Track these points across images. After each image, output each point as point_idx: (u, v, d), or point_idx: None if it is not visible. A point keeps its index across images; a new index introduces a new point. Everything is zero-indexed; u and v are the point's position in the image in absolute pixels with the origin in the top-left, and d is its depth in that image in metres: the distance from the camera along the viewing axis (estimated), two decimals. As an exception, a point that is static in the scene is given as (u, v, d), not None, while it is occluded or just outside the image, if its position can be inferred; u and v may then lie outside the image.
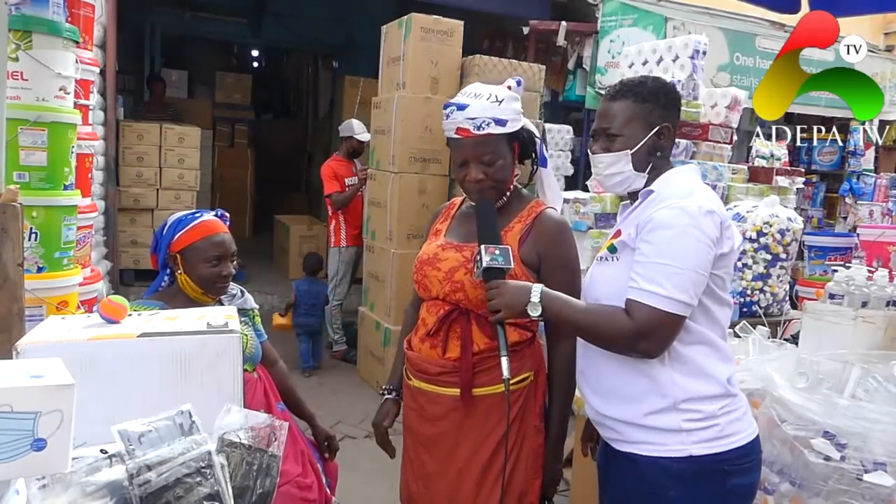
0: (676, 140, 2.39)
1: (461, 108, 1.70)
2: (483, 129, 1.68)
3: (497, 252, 1.56)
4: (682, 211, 1.41)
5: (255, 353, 1.97)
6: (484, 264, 1.56)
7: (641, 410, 1.49)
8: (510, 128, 1.71)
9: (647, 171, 1.55)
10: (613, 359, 1.52)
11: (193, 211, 2.00)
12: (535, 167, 1.87)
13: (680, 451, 1.45)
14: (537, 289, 1.51)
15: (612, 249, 1.53)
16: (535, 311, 1.50)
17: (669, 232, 1.41)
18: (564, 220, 1.84)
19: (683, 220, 1.40)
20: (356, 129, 5.30)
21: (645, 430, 1.49)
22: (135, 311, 1.42)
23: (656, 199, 1.49)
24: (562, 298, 1.52)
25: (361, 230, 5.12)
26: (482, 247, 1.58)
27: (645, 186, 1.57)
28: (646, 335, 1.41)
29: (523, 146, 1.80)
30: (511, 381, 1.71)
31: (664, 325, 1.40)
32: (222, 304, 1.96)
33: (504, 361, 1.56)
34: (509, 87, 1.75)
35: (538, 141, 1.84)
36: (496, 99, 1.71)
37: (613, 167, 1.56)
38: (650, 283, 1.39)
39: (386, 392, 1.99)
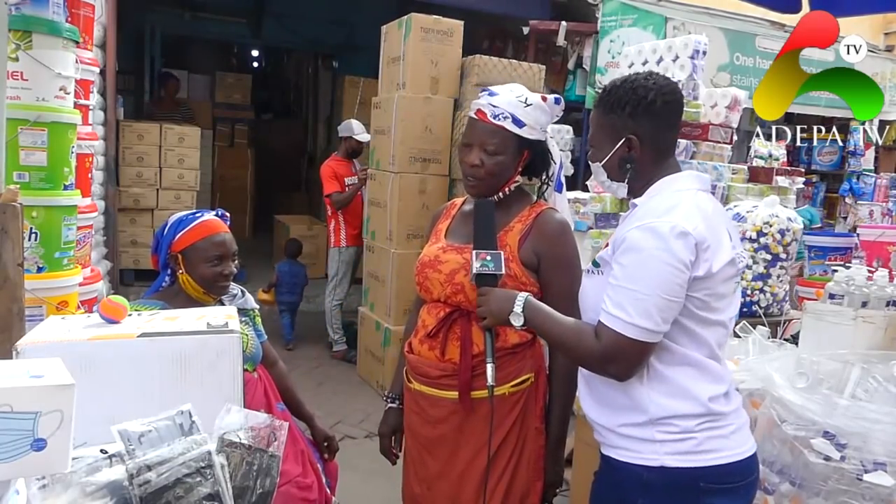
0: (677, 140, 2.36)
1: (491, 94, 1.74)
2: (499, 119, 1.70)
3: (488, 258, 1.56)
4: (652, 233, 1.36)
5: (255, 353, 1.97)
6: (474, 270, 1.56)
7: (619, 421, 1.47)
8: (525, 133, 1.72)
9: (625, 180, 1.52)
10: None
11: (194, 211, 2.00)
12: (544, 186, 1.87)
13: (652, 460, 1.41)
14: (521, 299, 1.51)
15: (596, 264, 1.51)
16: (517, 322, 1.51)
17: (638, 255, 1.37)
18: (565, 220, 1.83)
19: (651, 243, 1.35)
20: (355, 129, 5.30)
21: (621, 437, 1.47)
22: (135, 310, 1.43)
23: (635, 216, 1.45)
24: (544, 311, 1.52)
25: (361, 230, 5.12)
26: (473, 252, 1.58)
27: (634, 191, 1.54)
28: (612, 360, 1.39)
29: (533, 159, 1.80)
30: (511, 384, 1.71)
31: (628, 350, 1.37)
32: (223, 304, 1.96)
33: (489, 368, 1.56)
34: (544, 98, 1.75)
35: (554, 165, 1.85)
36: (524, 100, 1.72)
37: (597, 176, 1.57)
38: (616, 308, 1.37)
39: (389, 400, 1.99)
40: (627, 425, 1.45)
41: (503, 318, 1.52)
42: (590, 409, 1.56)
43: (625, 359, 1.38)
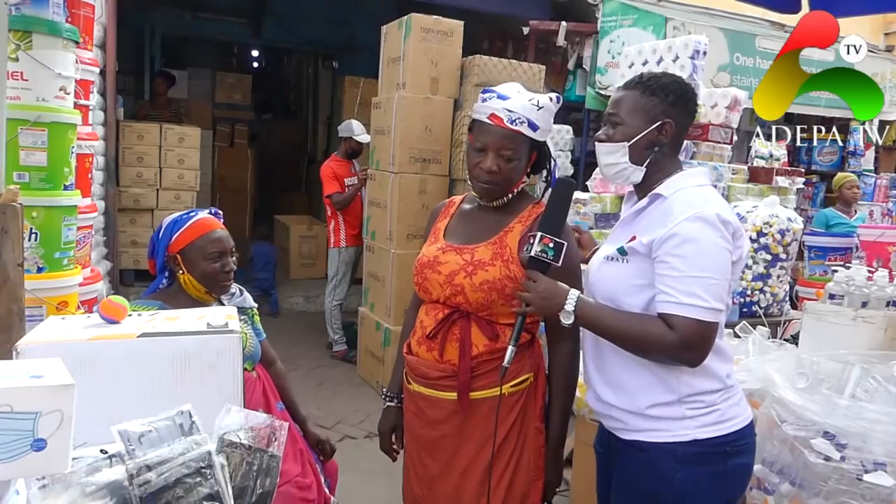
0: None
1: (502, 97, 1.71)
2: (516, 125, 1.69)
3: (551, 245, 1.54)
4: (705, 222, 1.45)
5: (254, 352, 1.97)
6: (531, 252, 1.55)
7: (646, 402, 1.54)
8: (537, 136, 1.72)
9: (644, 164, 1.57)
10: (622, 354, 1.55)
11: (188, 211, 2.00)
12: (546, 186, 1.87)
13: (685, 435, 1.51)
14: (573, 297, 1.51)
15: (622, 251, 1.55)
16: (566, 319, 1.52)
17: (699, 245, 1.44)
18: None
19: (708, 232, 1.44)
20: (356, 129, 5.30)
21: (650, 419, 1.54)
22: (135, 311, 1.42)
23: (672, 212, 1.49)
24: (597, 308, 1.54)
25: (361, 230, 5.12)
26: (539, 234, 1.56)
27: (646, 181, 1.59)
28: (692, 346, 1.44)
29: (539, 159, 1.81)
30: (511, 384, 1.71)
31: (708, 334, 1.45)
32: (222, 304, 1.96)
33: (510, 351, 1.57)
34: (551, 99, 1.75)
35: (554, 162, 1.85)
36: (537, 104, 1.71)
37: (611, 157, 1.60)
38: (690, 297, 1.42)
39: (387, 399, 1.98)
40: (656, 405, 1.52)
41: (550, 312, 1.54)
42: (608, 395, 1.60)
43: (704, 343, 1.45)
